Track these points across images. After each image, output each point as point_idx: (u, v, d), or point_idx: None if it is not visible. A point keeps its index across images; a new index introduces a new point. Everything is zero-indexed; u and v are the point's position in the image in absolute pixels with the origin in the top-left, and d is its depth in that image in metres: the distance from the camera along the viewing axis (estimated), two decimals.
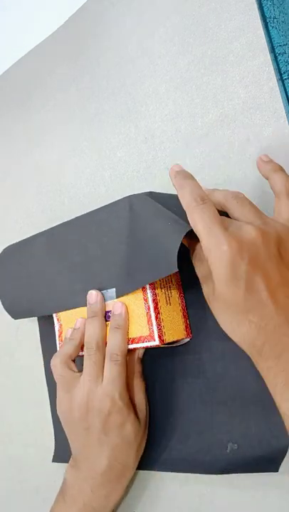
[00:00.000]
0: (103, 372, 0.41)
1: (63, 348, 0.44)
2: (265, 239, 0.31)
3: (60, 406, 0.43)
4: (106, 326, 0.42)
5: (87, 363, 0.41)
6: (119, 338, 0.41)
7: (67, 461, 0.45)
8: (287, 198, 0.35)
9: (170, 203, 0.38)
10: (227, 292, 0.31)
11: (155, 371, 0.45)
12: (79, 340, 0.43)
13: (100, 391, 0.40)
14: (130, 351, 0.42)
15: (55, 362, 0.43)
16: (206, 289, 0.35)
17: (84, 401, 0.41)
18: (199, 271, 0.36)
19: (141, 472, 0.45)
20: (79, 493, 0.41)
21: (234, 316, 0.31)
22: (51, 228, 0.48)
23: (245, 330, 0.31)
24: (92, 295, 0.43)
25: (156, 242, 0.37)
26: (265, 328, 0.30)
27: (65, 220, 0.47)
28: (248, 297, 0.30)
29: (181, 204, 0.35)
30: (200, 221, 0.32)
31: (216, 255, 0.31)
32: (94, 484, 0.41)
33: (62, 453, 0.49)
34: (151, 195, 0.39)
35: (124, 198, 0.41)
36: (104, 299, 0.42)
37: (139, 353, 0.44)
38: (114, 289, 0.42)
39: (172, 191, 0.38)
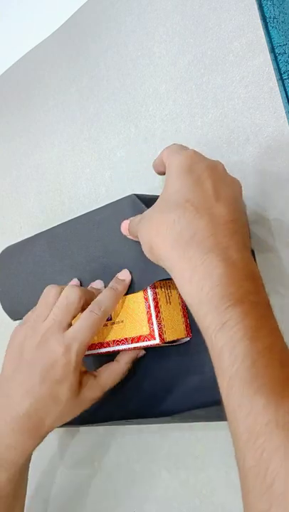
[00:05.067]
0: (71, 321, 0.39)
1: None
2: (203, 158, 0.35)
3: (19, 330, 0.41)
4: (105, 325, 0.42)
5: (60, 303, 0.40)
6: (109, 297, 0.39)
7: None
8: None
9: None
10: (175, 184, 0.33)
11: (154, 371, 0.44)
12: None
13: (59, 337, 0.38)
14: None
15: (48, 287, 0.42)
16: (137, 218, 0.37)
17: (40, 339, 0.39)
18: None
19: (140, 471, 0.45)
20: None
21: (169, 207, 0.32)
22: (52, 228, 0.48)
23: (176, 216, 0.31)
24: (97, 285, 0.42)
25: None
26: (199, 217, 0.31)
27: (65, 220, 0.47)
28: (194, 188, 0.32)
29: None
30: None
31: (175, 159, 0.34)
32: (3, 431, 0.38)
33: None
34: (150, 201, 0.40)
35: (126, 197, 0.41)
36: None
37: (139, 353, 0.44)
38: None
39: None
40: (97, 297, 0.40)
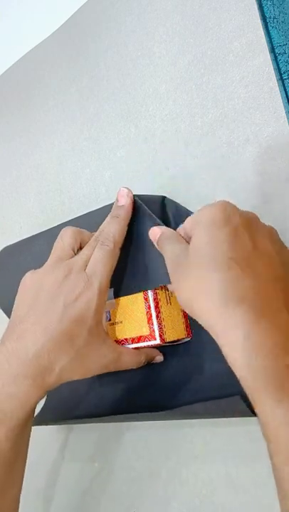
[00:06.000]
0: None
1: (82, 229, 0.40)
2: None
3: (33, 274, 0.40)
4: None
5: (86, 249, 0.38)
6: (116, 227, 0.38)
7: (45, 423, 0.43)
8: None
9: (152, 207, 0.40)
10: (210, 237, 0.30)
11: (154, 371, 0.44)
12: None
13: (82, 273, 0.36)
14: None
15: (68, 227, 0.40)
16: (174, 260, 0.33)
17: (60, 274, 0.37)
18: (169, 251, 0.34)
19: (140, 471, 0.45)
20: None
21: (211, 264, 0.29)
22: (51, 228, 0.48)
23: (220, 275, 0.28)
24: (123, 193, 0.39)
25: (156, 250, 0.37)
26: (246, 277, 0.28)
27: (65, 220, 0.47)
28: (234, 244, 0.30)
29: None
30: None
31: (206, 211, 0.31)
32: (5, 378, 0.35)
33: (44, 416, 0.48)
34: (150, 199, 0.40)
35: None
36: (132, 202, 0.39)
37: (157, 358, 0.43)
38: (112, 289, 0.42)
39: (171, 194, 0.38)
40: (104, 229, 0.38)
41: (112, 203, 0.42)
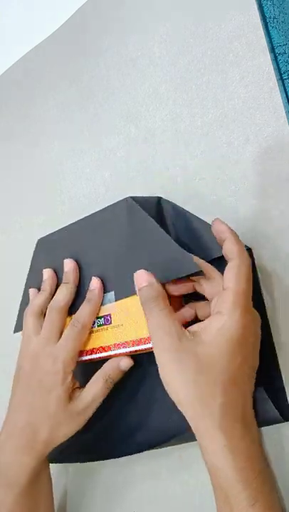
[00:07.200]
0: (60, 335, 0.42)
1: (34, 301, 0.44)
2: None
3: (19, 356, 0.44)
4: (106, 330, 0.42)
5: (45, 324, 0.43)
6: (87, 310, 0.42)
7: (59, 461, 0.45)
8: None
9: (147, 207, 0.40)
10: (230, 362, 0.33)
11: (152, 372, 0.44)
12: (49, 290, 0.44)
13: (48, 350, 0.41)
14: (113, 357, 0.42)
15: (26, 314, 0.44)
16: (172, 340, 0.34)
17: (32, 356, 0.42)
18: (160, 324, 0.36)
19: (141, 471, 0.45)
20: None
21: (216, 381, 0.33)
22: (50, 234, 0.48)
23: (221, 401, 0.32)
24: (67, 263, 0.44)
25: (160, 247, 0.37)
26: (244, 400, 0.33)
27: (64, 219, 0.47)
28: (239, 366, 0.33)
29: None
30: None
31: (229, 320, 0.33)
32: (5, 448, 0.40)
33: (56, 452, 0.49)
34: (144, 201, 0.40)
35: (121, 200, 0.41)
36: (78, 268, 0.44)
37: (122, 365, 0.42)
38: (113, 292, 0.42)
39: (171, 194, 0.38)
40: (76, 313, 0.42)
41: (110, 205, 0.42)
